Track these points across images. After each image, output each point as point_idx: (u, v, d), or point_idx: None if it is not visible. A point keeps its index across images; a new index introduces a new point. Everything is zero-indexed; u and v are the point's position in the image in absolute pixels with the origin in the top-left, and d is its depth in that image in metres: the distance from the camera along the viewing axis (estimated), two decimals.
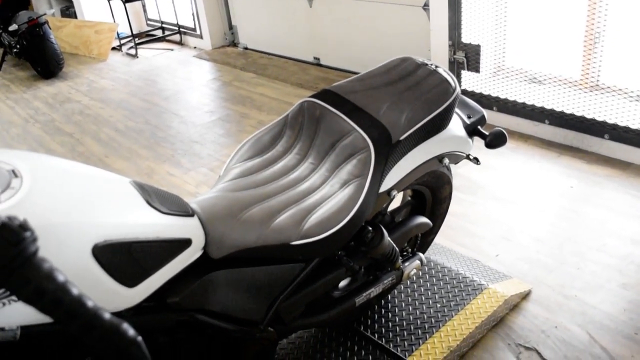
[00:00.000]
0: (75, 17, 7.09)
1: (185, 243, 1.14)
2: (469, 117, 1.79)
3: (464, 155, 1.78)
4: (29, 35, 5.50)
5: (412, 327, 1.91)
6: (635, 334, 1.85)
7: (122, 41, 6.63)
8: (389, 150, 1.47)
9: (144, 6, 7.10)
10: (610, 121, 2.89)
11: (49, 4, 7.49)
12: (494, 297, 2.00)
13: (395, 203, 1.94)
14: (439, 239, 2.37)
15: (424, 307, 1.99)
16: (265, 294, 1.36)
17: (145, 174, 3.41)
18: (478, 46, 3.35)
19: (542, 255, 2.26)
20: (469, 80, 3.51)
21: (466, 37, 3.40)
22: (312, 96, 1.60)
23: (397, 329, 1.91)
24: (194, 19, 6.19)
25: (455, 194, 2.73)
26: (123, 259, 1.01)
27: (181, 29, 6.48)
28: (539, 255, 2.27)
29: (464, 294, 2.02)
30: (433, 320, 1.93)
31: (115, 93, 5.06)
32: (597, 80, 3.01)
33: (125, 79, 5.43)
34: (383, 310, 2.00)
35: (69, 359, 1.05)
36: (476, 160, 1.81)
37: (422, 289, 2.07)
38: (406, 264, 1.79)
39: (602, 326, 1.89)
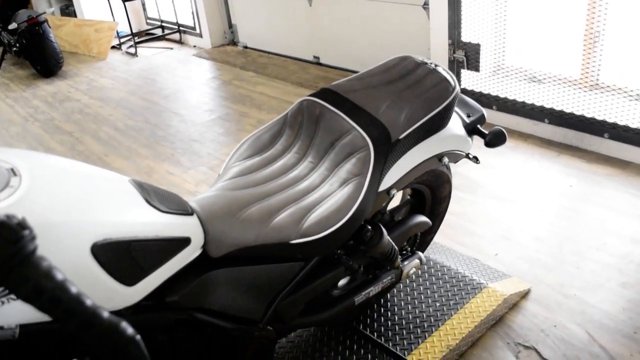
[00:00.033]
0: (75, 15, 7.08)
1: (184, 242, 1.14)
2: (468, 116, 1.79)
3: (464, 154, 1.78)
4: (29, 33, 5.50)
5: (411, 326, 1.91)
6: (635, 332, 1.85)
7: (122, 40, 6.63)
8: (388, 149, 1.47)
9: (143, 5, 7.09)
10: (610, 120, 2.89)
11: (48, 2, 7.48)
12: (494, 296, 2.00)
13: (395, 202, 1.94)
14: (438, 238, 2.37)
15: (424, 306, 1.99)
16: (265, 292, 1.36)
17: (144, 172, 3.41)
18: (478, 45, 3.35)
19: (542, 254, 2.26)
20: (469, 79, 3.51)
21: (466, 36, 3.40)
22: (312, 95, 1.60)
23: (397, 327, 1.91)
24: (193, 18, 6.19)
25: (454, 193, 2.73)
26: (122, 257, 1.01)
27: (181, 28, 6.48)
28: (538, 254, 2.27)
29: (463, 293, 2.02)
30: (432, 319, 1.93)
31: (114, 92, 5.05)
32: (597, 79, 3.01)
33: (125, 78, 5.43)
34: (382, 309, 2.00)
35: (67, 358, 1.05)
36: (476, 159, 1.81)
37: (421, 288, 2.07)
38: (405, 262, 1.79)
39: (601, 325, 1.89)
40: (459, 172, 2.91)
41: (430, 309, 1.97)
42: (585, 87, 3.06)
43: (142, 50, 6.35)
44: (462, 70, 3.50)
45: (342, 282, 1.73)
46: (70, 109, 4.74)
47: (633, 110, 2.80)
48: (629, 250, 2.22)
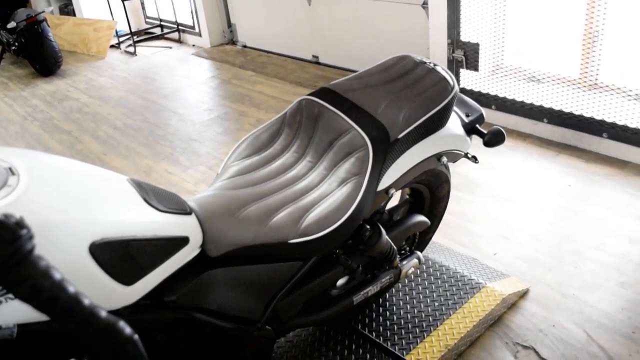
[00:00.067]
0: (74, 14, 7.07)
1: (182, 241, 1.14)
2: (467, 116, 1.79)
3: (462, 153, 1.78)
4: (28, 32, 5.49)
5: (410, 326, 1.91)
6: (633, 332, 1.85)
7: (121, 39, 6.62)
8: (387, 148, 1.47)
9: (142, 4, 7.09)
10: (609, 120, 2.89)
11: (47, 1, 7.47)
12: (492, 295, 2.00)
13: (394, 201, 1.94)
14: (437, 238, 2.37)
15: (422, 306, 1.99)
16: (263, 292, 1.35)
17: (143, 172, 3.41)
18: (477, 44, 3.35)
19: (541, 254, 2.26)
20: (468, 79, 3.51)
21: (465, 36, 3.40)
22: (311, 94, 1.60)
23: (395, 327, 1.91)
24: (192, 17, 6.18)
25: (453, 193, 2.73)
26: (120, 257, 1.01)
27: (180, 27, 6.47)
28: (537, 254, 2.27)
29: (462, 293, 2.02)
30: (431, 319, 1.93)
31: (113, 91, 5.05)
32: (596, 79, 3.01)
33: (124, 77, 5.42)
34: (381, 308, 2.00)
35: (66, 357, 1.04)
36: (474, 159, 1.81)
37: (420, 288, 2.07)
38: (404, 262, 1.79)
39: (599, 325, 1.89)
40: (458, 171, 2.91)
41: (429, 309, 1.97)
42: (584, 86, 3.07)
43: (141, 49, 6.35)
44: (461, 70, 3.50)
45: (340, 282, 1.73)
46: (69, 108, 4.74)
47: (632, 110, 2.80)
48: (628, 250, 2.22)
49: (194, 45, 6.29)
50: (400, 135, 1.49)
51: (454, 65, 3.52)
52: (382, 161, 1.46)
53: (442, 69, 1.65)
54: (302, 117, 1.58)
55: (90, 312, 0.76)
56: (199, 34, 6.18)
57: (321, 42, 4.90)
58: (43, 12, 5.83)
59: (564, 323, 1.92)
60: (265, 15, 5.42)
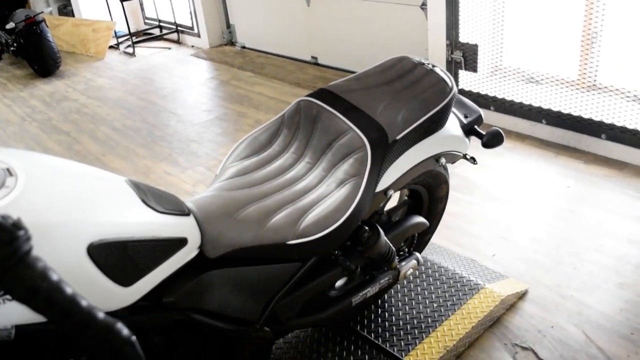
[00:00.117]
0: (73, 15, 7.07)
1: (181, 242, 1.14)
2: (465, 117, 1.79)
3: (461, 154, 1.78)
4: (26, 33, 5.49)
5: (408, 327, 1.91)
6: (632, 334, 1.85)
7: (120, 40, 6.62)
8: (385, 149, 1.47)
9: (141, 5, 7.09)
10: (608, 121, 2.89)
11: (46, 2, 7.47)
12: (491, 297, 2.00)
13: (392, 203, 1.94)
14: (435, 239, 2.37)
15: (421, 307, 1.99)
16: (262, 293, 1.35)
17: (142, 172, 3.40)
18: (475, 46, 3.35)
19: (539, 255, 2.26)
20: (467, 80, 3.52)
21: (464, 37, 3.40)
22: (309, 95, 1.60)
23: (394, 328, 1.91)
24: (191, 18, 6.18)
25: (452, 194, 2.73)
26: (118, 258, 1.01)
27: (179, 28, 6.47)
28: (535, 255, 2.27)
29: (460, 294, 2.02)
30: (430, 320, 1.93)
31: (112, 92, 5.05)
32: (594, 80, 3.01)
33: (123, 78, 5.42)
34: (379, 309, 2.00)
35: (63, 359, 1.04)
36: (473, 160, 1.81)
37: (418, 289, 2.07)
38: (403, 263, 1.79)
39: (598, 326, 1.89)
40: (457, 172, 2.91)
41: (428, 310, 1.97)
42: (583, 88, 3.07)
43: (140, 50, 6.35)
44: (460, 71, 3.50)
45: (339, 283, 1.73)
46: (68, 108, 4.73)
47: (630, 111, 2.80)
48: (626, 251, 2.22)
49: (192, 46, 6.29)
50: (399, 137, 1.49)
51: (452, 66, 3.52)
52: (381, 162, 1.46)
53: (441, 70, 1.65)
54: (301, 118, 1.58)
55: (88, 314, 0.76)
56: (198, 35, 6.18)
57: (320, 43, 4.91)
58: (42, 12, 5.82)
59: (563, 324, 1.92)
60: (264, 16, 5.42)
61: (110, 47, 6.51)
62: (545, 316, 1.96)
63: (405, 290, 2.07)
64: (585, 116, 2.98)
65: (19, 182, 0.92)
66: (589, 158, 2.95)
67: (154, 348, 1.19)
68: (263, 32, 5.55)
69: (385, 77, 1.63)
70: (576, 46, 3.01)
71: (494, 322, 1.95)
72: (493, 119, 3.38)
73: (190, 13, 6.13)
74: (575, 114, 3.02)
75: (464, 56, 3.43)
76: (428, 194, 1.87)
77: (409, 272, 1.81)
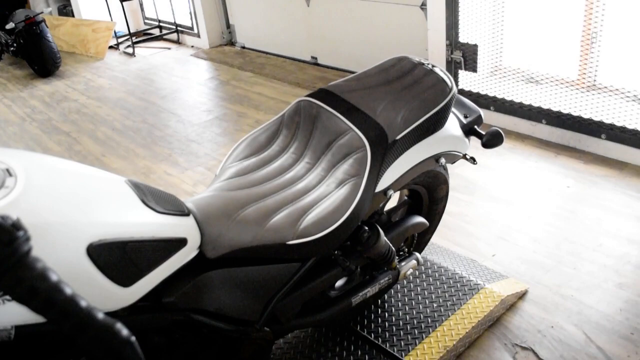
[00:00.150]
0: (73, 15, 7.07)
1: (180, 242, 1.14)
2: (465, 117, 1.79)
3: (461, 154, 1.78)
4: (26, 33, 5.49)
5: (408, 327, 1.91)
6: (632, 333, 1.85)
7: (120, 40, 6.62)
8: (385, 149, 1.47)
9: (141, 5, 7.09)
10: (607, 121, 2.89)
11: (46, 2, 7.47)
12: (491, 297, 2.00)
13: (392, 203, 1.94)
14: (435, 239, 2.37)
15: (421, 307, 1.99)
16: (262, 293, 1.35)
17: (142, 173, 3.40)
18: (475, 46, 3.35)
19: (539, 255, 2.26)
20: (466, 80, 3.51)
21: (463, 37, 3.40)
22: (309, 95, 1.60)
23: (394, 328, 1.91)
24: (191, 18, 6.18)
25: (452, 194, 2.73)
26: (118, 258, 1.01)
27: (179, 28, 6.47)
28: (535, 255, 2.27)
29: (460, 294, 2.02)
30: (429, 320, 1.93)
31: (112, 92, 5.05)
32: (594, 80, 3.01)
33: (123, 78, 5.42)
34: (379, 310, 2.00)
35: (63, 359, 1.04)
36: (473, 160, 1.81)
37: (418, 289, 2.07)
38: (402, 263, 1.79)
39: (598, 326, 1.89)
40: (456, 172, 2.91)
41: (428, 310, 1.97)
42: (583, 88, 3.07)
43: (140, 50, 6.35)
44: (460, 71, 3.50)
45: (339, 283, 1.73)
46: (68, 109, 4.73)
47: (630, 111, 2.80)
48: (626, 251, 2.22)
49: (192, 46, 6.29)
50: (399, 137, 1.49)
51: (452, 67, 3.52)
52: (381, 162, 1.46)
53: (441, 70, 1.65)
54: (301, 119, 1.58)
55: (87, 314, 0.76)
56: (198, 35, 6.18)
57: (320, 43, 4.91)
58: (42, 12, 5.83)
59: (563, 324, 1.92)
60: (264, 16, 5.42)
61: (110, 47, 6.51)
62: (545, 316, 1.96)
63: (405, 290, 2.07)
64: (585, 116, 2.98)
65: (19, 183, 0.92)
66: (589, 158, 2.95)
67: (154, 348, 1.19)
68: (263, 32, 5.55)
69: (385, 77, 1.63)
70: (576, 46, 3.01)
71: (494, 322, 1.95)
72: (493, 119, 3.38)
73: (190, 13, 6.13)
74: (575, 114, 3.02)
75: (464, 56, 3.43)
76: (428, 194, 1.87)
77: (408, 272, 1.81)
